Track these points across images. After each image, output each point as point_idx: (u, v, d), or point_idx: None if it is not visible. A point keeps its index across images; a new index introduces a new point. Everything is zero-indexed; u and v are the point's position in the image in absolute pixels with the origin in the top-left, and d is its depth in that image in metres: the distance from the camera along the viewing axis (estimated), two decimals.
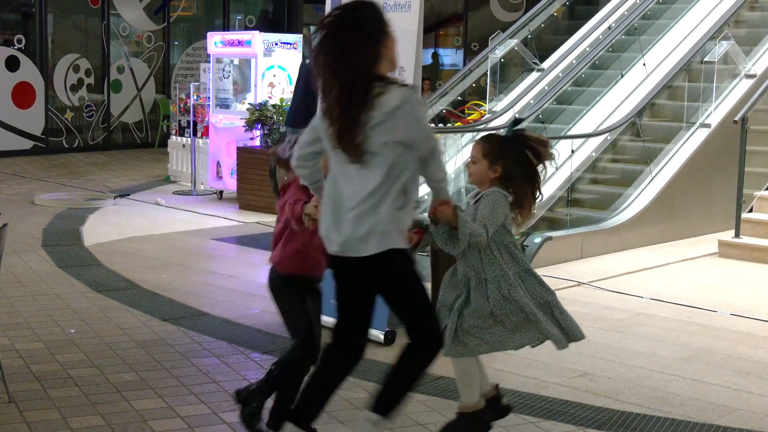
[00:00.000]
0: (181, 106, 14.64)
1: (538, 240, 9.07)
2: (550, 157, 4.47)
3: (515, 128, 4.56)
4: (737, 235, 9.90)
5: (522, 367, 6.02)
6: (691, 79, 11.80)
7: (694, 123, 11.24)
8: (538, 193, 4.51)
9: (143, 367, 5.90)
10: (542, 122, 12.24)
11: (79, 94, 19.37)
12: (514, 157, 4.43)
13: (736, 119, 10.15)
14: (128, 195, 13.41)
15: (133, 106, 20.29)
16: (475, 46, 21.41)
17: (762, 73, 11.59)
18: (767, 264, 9.39)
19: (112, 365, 5.91)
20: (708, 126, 11.13)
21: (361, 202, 4.06)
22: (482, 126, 12.41)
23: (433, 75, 22.39)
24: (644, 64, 12.43)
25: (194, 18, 22.22)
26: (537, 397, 5.54)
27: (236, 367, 5.96)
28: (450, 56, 24.12)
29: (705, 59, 11.56)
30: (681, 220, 10.65)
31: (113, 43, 19.95)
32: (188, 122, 14.23)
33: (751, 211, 10.29)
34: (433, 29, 23.53)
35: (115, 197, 13.11)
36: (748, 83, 11.59)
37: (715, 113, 11.26)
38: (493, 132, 4.76)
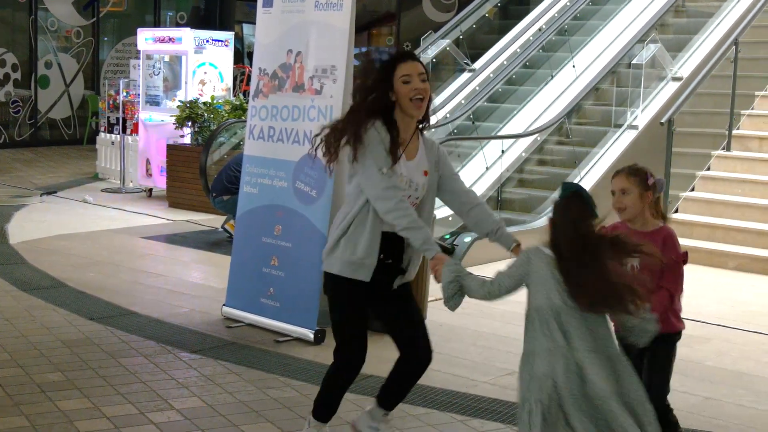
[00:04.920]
0: (111, 102, 14.48)
1: (468, 239, 9.10)
2: None
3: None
4: None
5: (450, 366, 6.05)
6: (619, 81, 11.96)
7: (622, 125, 11.39)
8: None
9: (69, 366, 5.82)
10: (473, 122, 12.31)
11: (6, 90, 19.05)
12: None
13: (662, 121, 10.29)
14: (55, 192, 13.22)
15: (61, 102, 20.02)
16: (407, 46, 21.44)
17: (688, 76, 11.78)
18: (692, 264, 9.44)
19: (37, 365, 5.83)
20: (635, 128, 11.28)
21: None
22: None
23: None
24: (574, 66, 12.58)
25: (124, 13, 21.96)
26: (465, 395, 5.58)
27: (164, 366, 5.91)
28: None
29: (633, 62, 11.72)
30: (609, 220, 10.76)
31: (41, 37, 19.65)
32: (117, 119, 14.08)
33: (677, 211, 10.46)
34: (366, 28, 23.53)
35: (42, 194, 12.92)
36: (674, 86, 11.77)
37: (643, 115, 11.42)
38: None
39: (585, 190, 3.92)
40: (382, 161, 4.22)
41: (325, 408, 4.57)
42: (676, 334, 4.56)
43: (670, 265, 4.37)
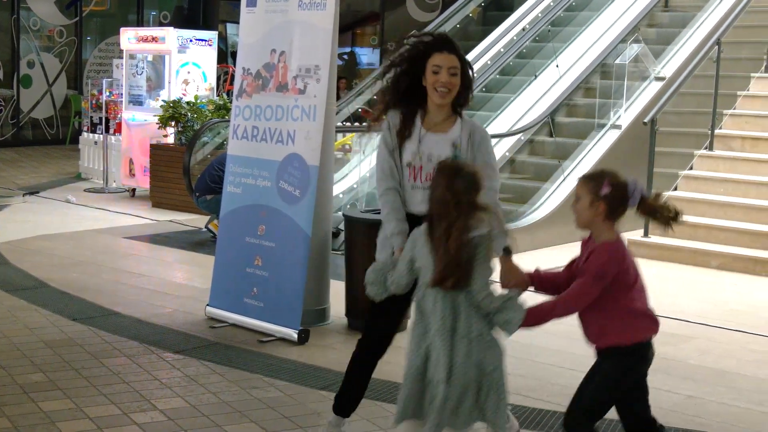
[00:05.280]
0: (93, 102, 14.43)
1: None
2: None
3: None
4: (646, 234, 10.09)
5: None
6: (603, 81, 11.98)
7: (605, 124, 11.41)
8: None
9: (52, 367, 5.79)
10: None
11: None
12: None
13: (645, 121, 10.33)
14: (38, 192, 13.16)
15: (44, 102, 19.93)
16: (391, 46, 21.45)
17: (671, 76, 11.82)
18: (675, 262, 9.60)
19: (19, 366, 5.80)
20: (619, 127, 11.31)
21: None
22: None
23: (349, 74, 22.40)
24: (557, 66, 12.60)
25: (107, 13, 21.90)
26: None
27: (147, 367, 5.89)
28: (366, 55, 24.15)
29: (616, 62, 11.75)
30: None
31: (23, 37, 19.57)
32: (100, 119, 14.03)
33: None
34: (350, 28, 23.53)
35: (24, 195, 12.86)
36: (657, 86, 11.81)
37: (626, 115, 11.45)
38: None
39: (461, 163, 4.03)
40: (382, 157, 4.50)
41: (342, 397, 4.65)
42: (604, 351, 4.15)
43: (578, 277, 4.03)
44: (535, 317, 4.05)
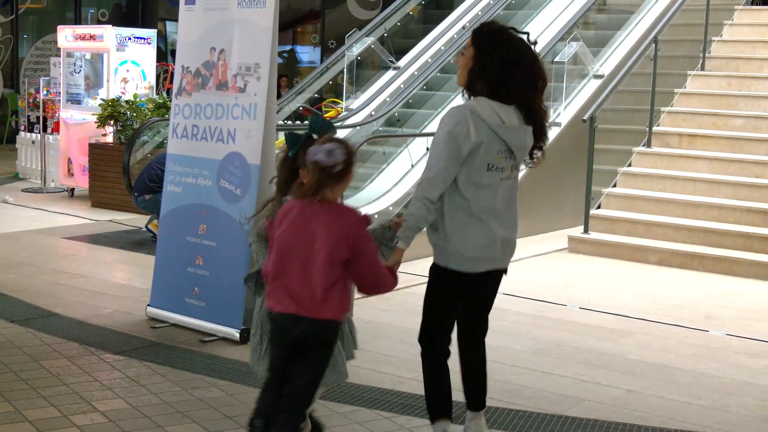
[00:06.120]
0: (31, 101, 14.26)
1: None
2: None
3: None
4: (586, 230, 10.20)
5: (378, 363, 6.07)
6: None
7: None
8: None
9: None
10: (398, 120, 12.34)
11: None
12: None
13: (585, 118, 10.43)
14: None
15: None
16: (332, 44, 21.44)
17: (609, 73, 11.95)
18: (615, 258, 9.72)
19: None
20: (558, 125, 11.40)
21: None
22: (338, 123, 12.44)
23: (290, 72, 22.35)
24: None
25: (44, 10, 21.61)
26: (393, 392, 5.59)
27: (87, 368, 5.83)
28: (307, 53, 24.11)
29: (555, 59, 11.85)
30: (533, 216, 10.87)
31: None
32: (38, 118, 13.86)
33: (599, 207, 10.60)
34: (291, 26, 23.46)
35: None
36: (596, 83, 11.93)
37: (565, 112, 11.55)
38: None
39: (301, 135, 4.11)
40: None
41: (427, 405, 4.70)
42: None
43: None
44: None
